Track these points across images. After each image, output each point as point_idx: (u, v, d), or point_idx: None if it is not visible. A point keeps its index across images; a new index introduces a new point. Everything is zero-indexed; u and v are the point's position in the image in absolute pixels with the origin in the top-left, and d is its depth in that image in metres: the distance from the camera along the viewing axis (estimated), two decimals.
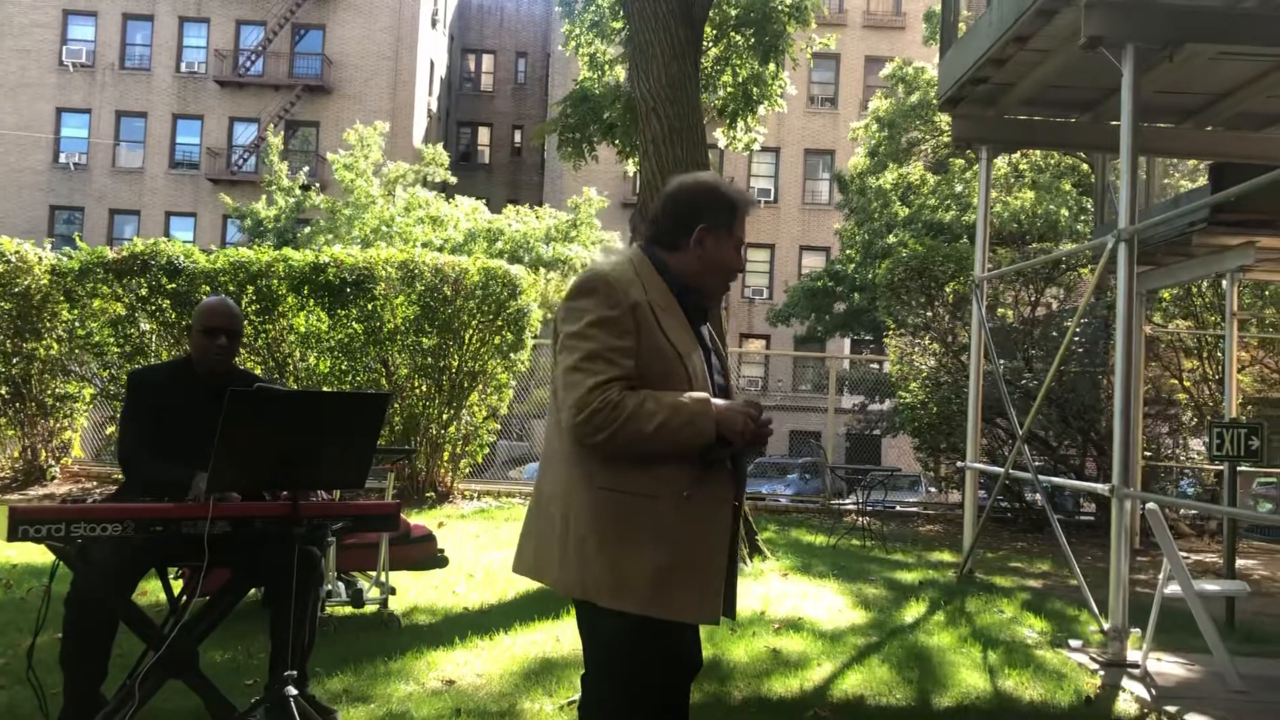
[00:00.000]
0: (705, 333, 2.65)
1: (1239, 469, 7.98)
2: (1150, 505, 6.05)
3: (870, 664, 5.53)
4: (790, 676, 5.17)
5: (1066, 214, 22.68)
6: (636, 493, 2.40)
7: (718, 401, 2.46)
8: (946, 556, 10.09)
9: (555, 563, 2.47)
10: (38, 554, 6.99)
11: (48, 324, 12.13)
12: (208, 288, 11.39)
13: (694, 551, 2.45)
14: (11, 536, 3.12)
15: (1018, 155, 23.48)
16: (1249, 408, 12.97)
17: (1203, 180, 12.15)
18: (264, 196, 27.76)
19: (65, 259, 11.99)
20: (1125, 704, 5.17)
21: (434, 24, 40.10)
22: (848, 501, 13.39)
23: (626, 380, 2.37)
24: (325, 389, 11.49)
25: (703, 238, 2.58)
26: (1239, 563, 9.40)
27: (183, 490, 3.66)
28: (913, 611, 7.09)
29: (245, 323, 5.86)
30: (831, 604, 7.15)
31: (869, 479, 12.63)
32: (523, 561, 2.62)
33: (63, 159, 36.98)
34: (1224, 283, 10.11)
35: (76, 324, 12.01)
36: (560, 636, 5.74)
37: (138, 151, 37.33)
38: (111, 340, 11.89)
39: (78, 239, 13.23)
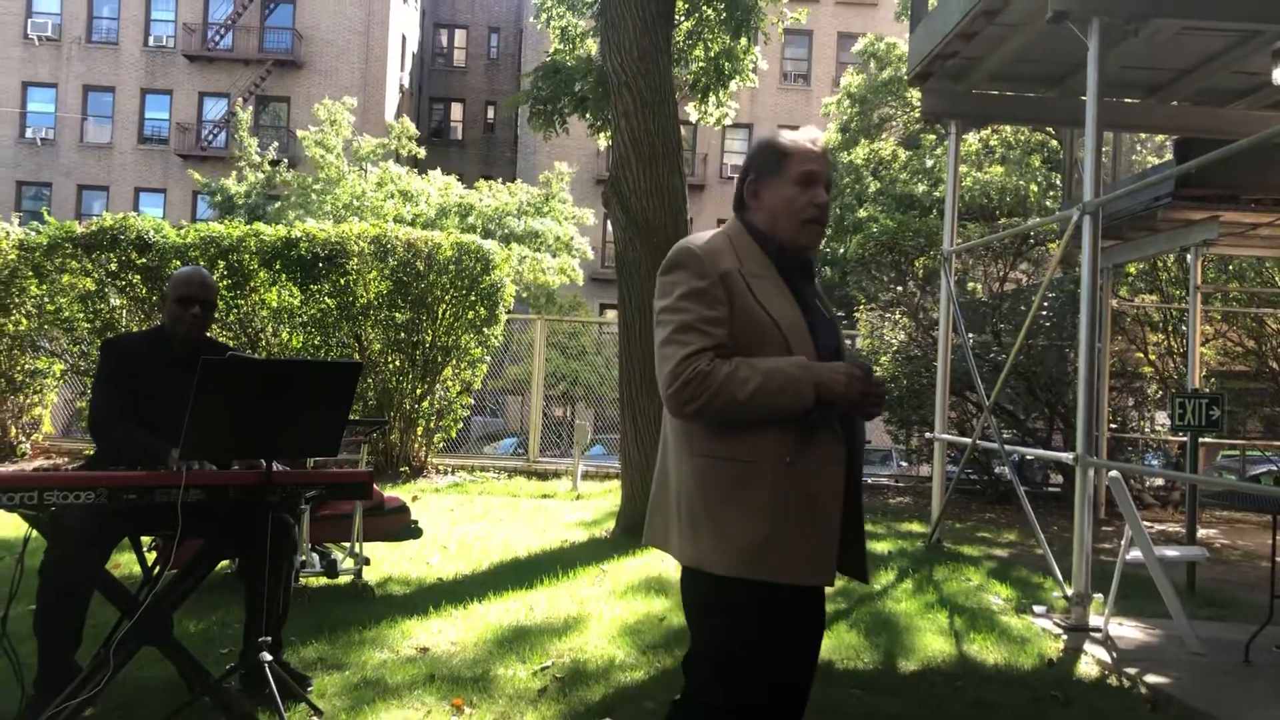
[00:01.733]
0: (815, 293, 2.61)
1: (1201, 440, 8.12)
2: (1113, 473, 6.16)
3: (838, 629, 5.63)
4: None
5: (1036, 189, 22.83)
6: (736, 459, 2.40)
7: (819, 365, 2.43)
8: (916, 527, 10.21)
9: (674, 532, 2.52)
10: (9, 527, 6.99)
11: (16, 299, 12.02)
12: (178, 262, 11.31)
13: (798, 516, 2.41)
14: None
15: (988, 131, 23.59)
16: (1212, 380, 13.17)
17: (1169, 157, 12.28)
18: (234, 172, 27.52)
19: (33, 234, 11.89)
20: (1087, 666, 5.29)
21: None
22: None
23: (719, 349, 2.38)
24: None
25: (755, 190, 2.59)
26: (1201, 532, 9.59)
27: (154, 458, 3.68)
28: (881, 580, 7.20)
29: (217, 296, 5.80)
30: None
31: None
32: (650, 532, 2.66)
33: (29, 134, 36.51)
34: (1188, 257, 10.23)
35: (46, 299, 11.91)
36: (534, 605, 5.80)
37: (106, 126, 36.89)
38: (81, 315, 11.81)
39: (46, 214, 13.11)
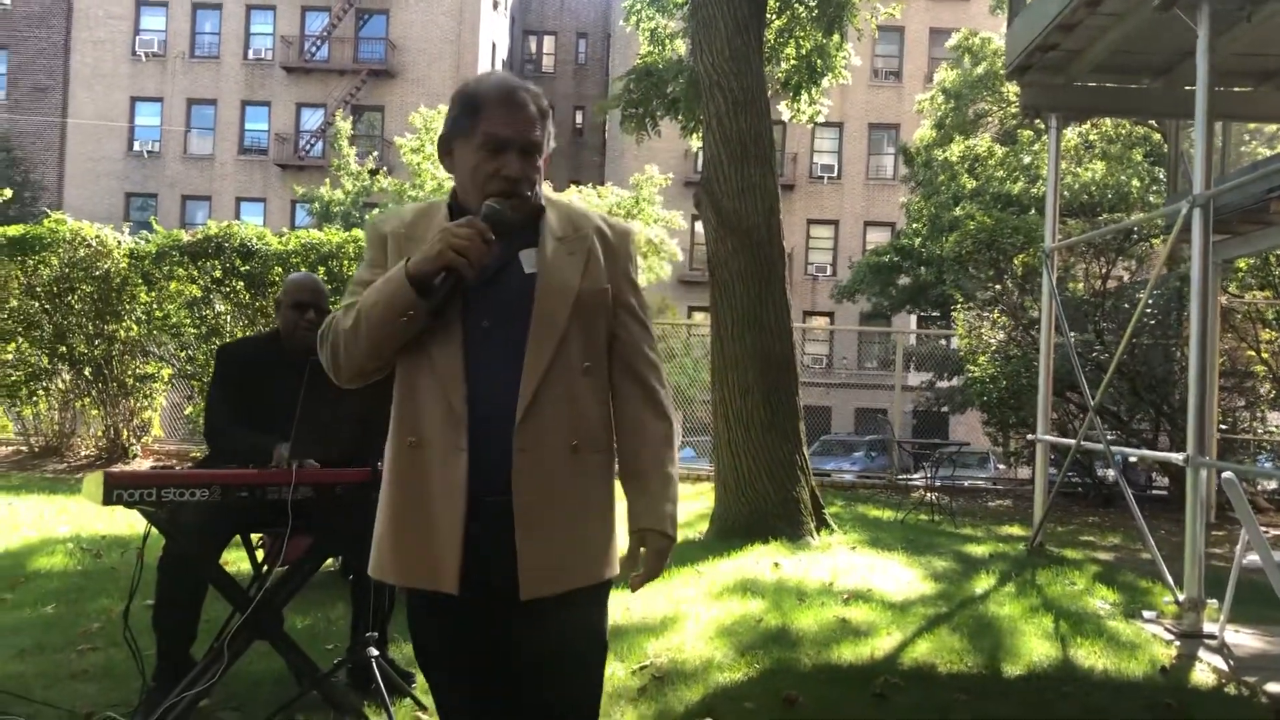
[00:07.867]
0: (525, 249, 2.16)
1: None
2: (1227, 474, 5.94)
3: (939, 633, 5.53)
4: (859, 645, 5.18)
5: (1138, 184, 22.21)
6: (391, 440, 2.23)
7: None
8: (1016, 530, 10.00)
9: None
10: (123, 526, 7.24)
11: (127, 306, 12.43)
12: (280, 269, 11.61)
13: (412, 509, 2.16)
14: (107, 500, 3.23)
15: (1087, 126, 23.01)
16: None
17: None
18: (327, 181, 28.13)
19: (142, 243, 12.29)
20: (1202, 674, 5.11)
21: (495, 6, 40.26)
22: (915, 477, 13.29)
23: None
24: None
25: (450, 150, 2.23)
26: None
27: (266, 456, 3.77)
28: (982, 583, 7.06)
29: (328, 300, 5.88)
30: (900, 576, 7.13)
31: (937, 454, 12.53)
32: None
33: (136, 147, 37.83)
34: None
35: (154, 306, 12.30)
36: (630, 605, 5.80)
37: (208, 138, 38.07)
38: (188, 321, 12.18)
39: (154, 223, 13.54)
